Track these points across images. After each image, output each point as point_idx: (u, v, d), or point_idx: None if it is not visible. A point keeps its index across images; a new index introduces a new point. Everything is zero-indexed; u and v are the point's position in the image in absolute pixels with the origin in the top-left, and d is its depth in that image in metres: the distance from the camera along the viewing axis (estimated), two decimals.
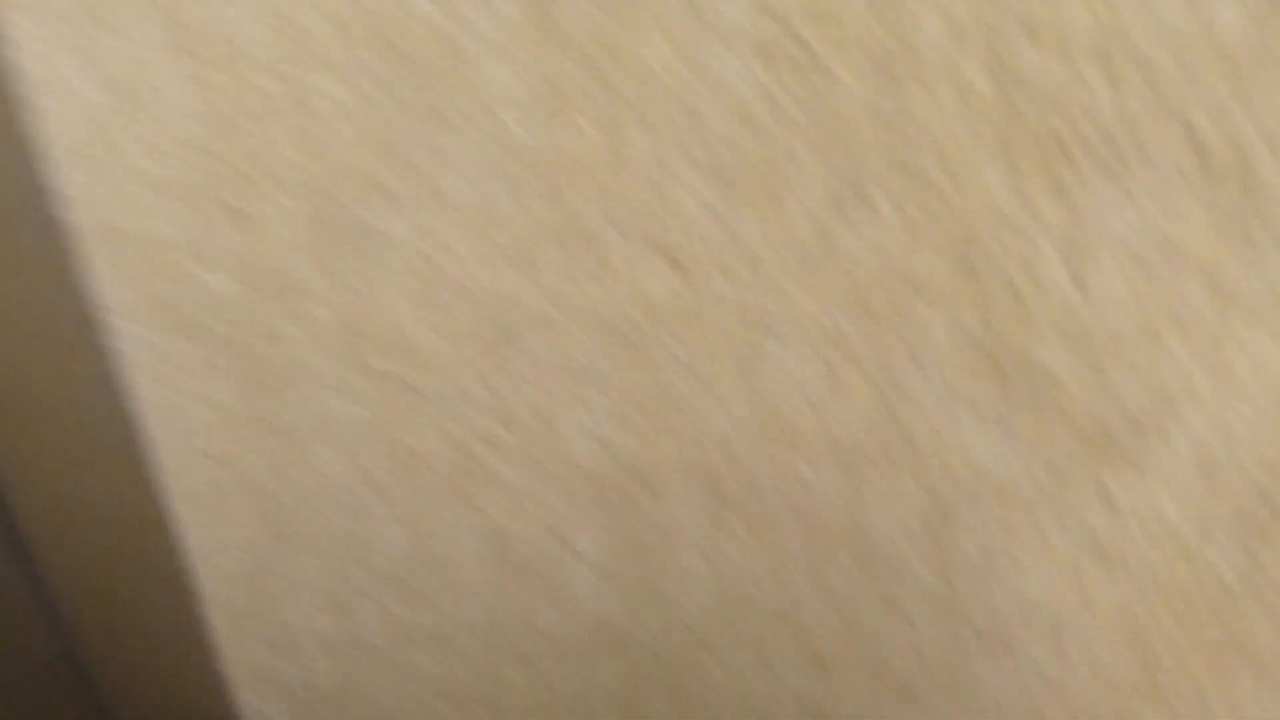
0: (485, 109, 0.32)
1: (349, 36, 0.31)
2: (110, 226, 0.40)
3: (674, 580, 0.42)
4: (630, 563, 0.42)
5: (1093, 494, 0.35)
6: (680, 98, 0.30)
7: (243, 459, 0.45)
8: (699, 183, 0.32)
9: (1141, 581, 0.36)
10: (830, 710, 0.43)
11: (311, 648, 0.53)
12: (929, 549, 0.38)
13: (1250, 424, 0.32)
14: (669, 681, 0.45)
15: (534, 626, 0.45)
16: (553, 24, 0.30)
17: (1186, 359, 0.31)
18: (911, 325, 0.33)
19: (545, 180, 0.32)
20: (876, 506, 0.37)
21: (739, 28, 0.29)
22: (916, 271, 0.32)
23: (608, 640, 0.45)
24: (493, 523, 0.42)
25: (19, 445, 0.42)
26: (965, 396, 0.34)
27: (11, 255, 0.40)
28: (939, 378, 0.34)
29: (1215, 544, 0.34)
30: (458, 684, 0.49)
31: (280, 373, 0.41)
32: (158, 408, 0.46)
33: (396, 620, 0.48)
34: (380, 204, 0.34)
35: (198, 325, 0.41)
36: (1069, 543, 0.36)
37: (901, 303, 0.32)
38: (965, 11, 0.27)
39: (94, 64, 0.35)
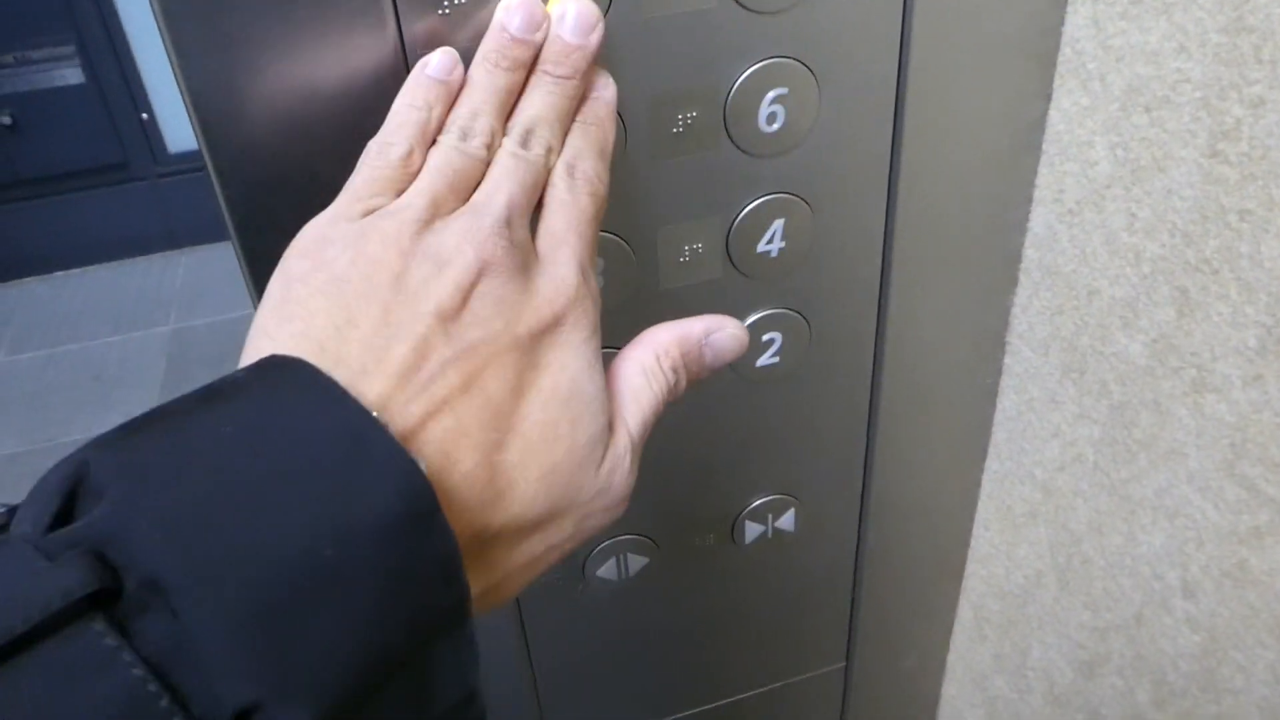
0: None
1: None
2: (1055, 269, 0.46)
3: None
4: None
5: None
6: None
7: (1066, 497, 0.49)
8: None
9: None
10: None
11: (1037, 686, 0.56)
12: None
13: None
14: None
15: None
16: None
17: None
18: None
19: None
20: None
21: None
22: None
23: None
24: None
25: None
26: None
27: (962, 264, 0.48)
28: None
29: None
30: None
31: (1148, 447, 0.43)
32: (1013, 425, 0.52)
33: (1138, 711, 0.48)
34: None
35: (1093, 377, 0.45)
36: None
37: None
38: None
39: (1119, 137, 0.40)
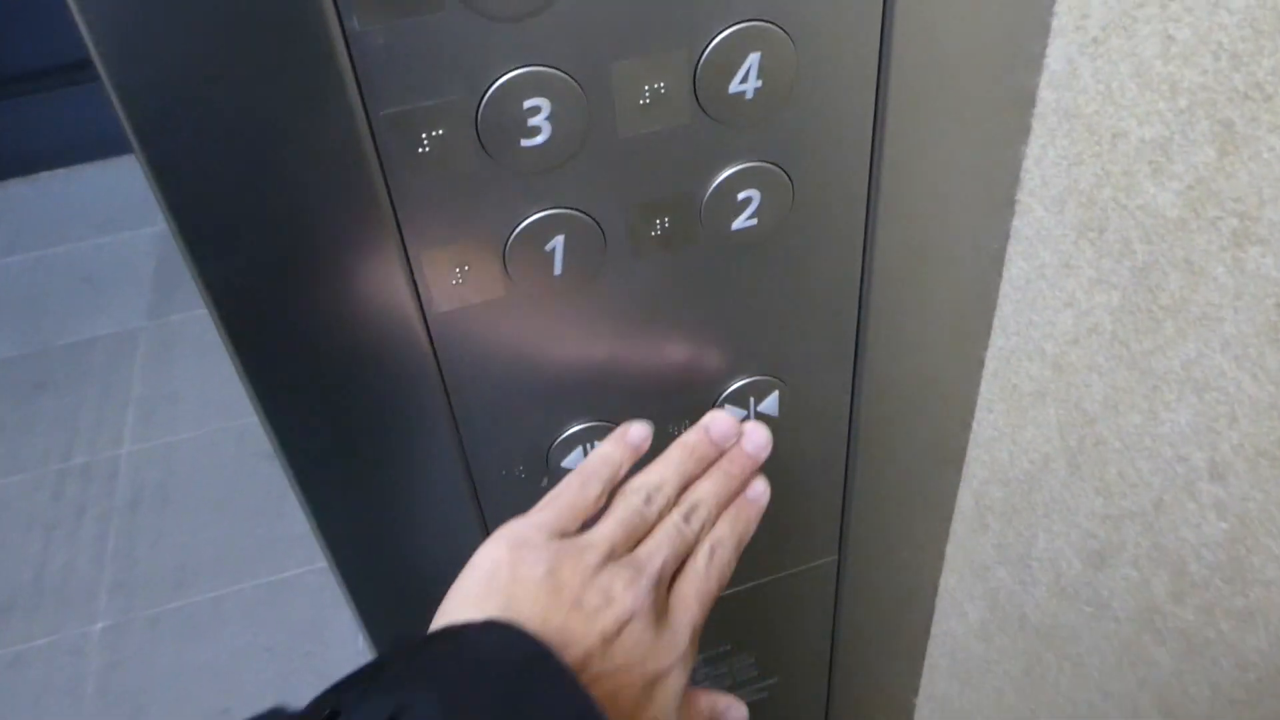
0: None
1: None
2: (1074, 111, 0.40)
3: None
4: None
5: None
6: None
7: (1079, 373, 0.44)
8: None
9: None
10: None
11: (1042, 577, 0.52)
12: None
13: None
14: None
15: None
16: None
17: None
18: None
19: None
20: None
21: None
22: None
23: None
24: None
25: None
26: None
27: (960, 111, 0.42)
28: None
29: None
30: (1188, 698, 0.44)
31: (1176, 313, 0.38)
32: (1021, 295, 0.47)
33: (1152, 604, 0.44)
34: None
35: (1114, 235, 0.40)
36: None
37: None
38: None
39: None
